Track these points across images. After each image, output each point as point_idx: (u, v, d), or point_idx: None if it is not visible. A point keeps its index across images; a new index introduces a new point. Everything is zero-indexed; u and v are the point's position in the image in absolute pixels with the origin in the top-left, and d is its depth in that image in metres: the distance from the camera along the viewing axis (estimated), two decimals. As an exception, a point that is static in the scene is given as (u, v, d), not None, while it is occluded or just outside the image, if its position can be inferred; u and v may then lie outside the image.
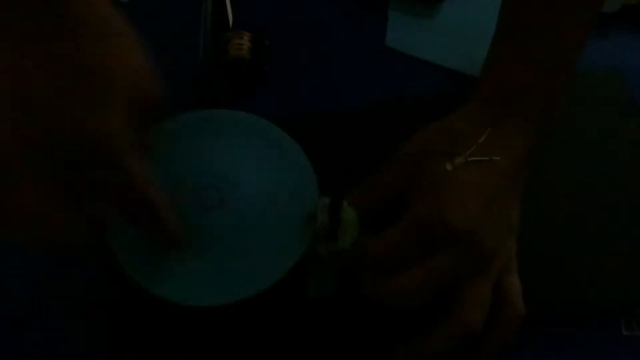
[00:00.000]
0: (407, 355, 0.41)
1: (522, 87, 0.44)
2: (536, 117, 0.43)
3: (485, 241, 0.40)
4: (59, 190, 0.32)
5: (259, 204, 0.42)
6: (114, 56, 0.32)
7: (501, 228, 0.41)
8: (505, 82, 0.44)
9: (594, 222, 0.47)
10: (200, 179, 0.42)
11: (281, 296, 0.42)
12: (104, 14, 0.33)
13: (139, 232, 0.38)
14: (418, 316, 0.41)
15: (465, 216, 0.39)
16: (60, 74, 0.31)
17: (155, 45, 0.38)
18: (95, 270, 0.46)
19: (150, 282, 0.39)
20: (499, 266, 0.41)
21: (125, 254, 0.39)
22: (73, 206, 0.33)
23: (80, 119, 0.31)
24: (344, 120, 0.52)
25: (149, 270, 0.39)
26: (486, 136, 0.42)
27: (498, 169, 0.41)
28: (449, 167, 0.41)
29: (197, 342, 0.43)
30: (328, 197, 0.40)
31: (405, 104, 0.53)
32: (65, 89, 0.31)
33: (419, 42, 0.57)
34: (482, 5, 0.56)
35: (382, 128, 0.52)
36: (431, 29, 0.58)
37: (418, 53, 0.57)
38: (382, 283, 0.40)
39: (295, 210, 0.42)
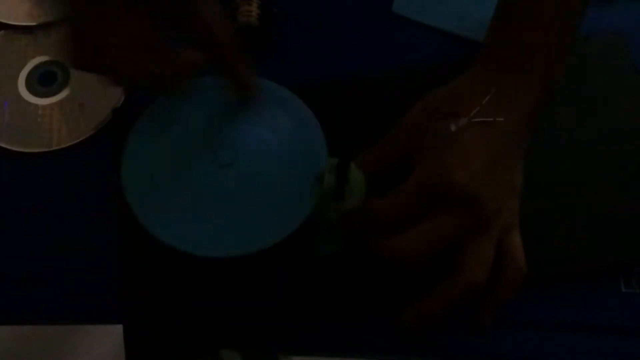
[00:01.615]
0: (413, 312, 0.43)
1: (524, 50, 0.44)
2: (539, 79, 0.44)
3: (487, 201, 0.41)
4: (155, 29, 0.38)
5: (270, 164, 0.44)
6: None
7: (504, 188, 0.43)
8: (508, 45, 0.45)
9: (595, 183, 0.48)
10: (216, 139, 0.45)
11: (289, 255, 0.44)
12: None
13: (220, 77, 0.43)
14: (423, 274, 0.42)
15: (468, 176, 0.40)
16: None
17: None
18: (108, 228, 0.47)
19: (166, 235, 0.41)
20: (502, 225, 0.43)
21: (143, 211, 0.42)
22: (167, 44, 0.39)
23: None
24: (352, 85, 0.53)
25: (165, 224, 0.42)
26: (490, 97, 0.43)
27: (501, 130, 0.42)
28: (452, 128, 0.42)
29: (207, 295, 0.45)
30: (336, 158, 0.41)
31: (412, 69, 0.54)
32: None
33: (425, 8, 0.58)
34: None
35: (389, 93, 0.52)
36: None
37: (424, 19, 0.57)
38: (388, 242, 0.41)
39: (305, 170, 0.43)
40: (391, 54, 0.56)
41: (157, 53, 0.39)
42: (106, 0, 0.37)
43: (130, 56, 0.38)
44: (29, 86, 0.54)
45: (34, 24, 0.57)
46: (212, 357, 0.55)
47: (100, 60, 0.38)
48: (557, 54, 0.45)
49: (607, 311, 0.45)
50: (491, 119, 0.42)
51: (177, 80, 0.41)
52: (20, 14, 0.57)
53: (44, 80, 0.55)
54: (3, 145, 0.51)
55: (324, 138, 0.45)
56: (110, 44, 0.38)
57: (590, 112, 0.51)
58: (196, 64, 0.42)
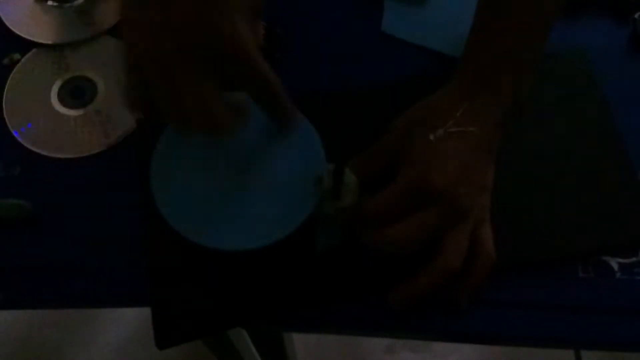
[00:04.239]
0: (400, 294, 0.48)
1: (494, 68, 0.49)
2: (507, 94, 0.48)
3: (462, 198, 0.46)
4: (209, 83, 0.40)
5: (275, 168, 0.49)
6: None
7: (476, 187, 0.47)
8: (479, 65, 0.49)
9: (556, 182, 0.52)
10: (229, 147, 0.50)
11: (295, 247, 0.48)
12: None
13: (265, 113, 0.45)
14: (409, 261, 0.47)
15: (445, 178, 0.45)
16: None
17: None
18: (136, 224, 0.52)
19: (188, 230, 0.46)
20: (474, 219, 0.48)
21: (168, 209, 0.47)
22: (220, 96, 0.40)
23: (218, 28, 0.39)
24: (346, 98, 0.57)
25: (187, 221, 0.47)
26: (463, 110, 0.47)
27: (473, 138, 0.47)
28: (431, 137, 0.47)
29: (223, 282, 0.50)
30: (333, 164, 0.47)
31: (400, 83, 0.57)
32: (202, 7, 0.38)
33: (412, 28, 0.61)
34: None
35: (379, 105, 0.56)
36: (423, 16, 0.62)
37: (411, 38, 0.60)
38: (378, 234, 0.46)
39: (307, 174, 0.48)
40: (380, 70, 0.59)
41: (210, 99, 0.40)
42: (171, 57, 0.38)
43: (187, 108, 0.40)
44: (61, 99, 0.59)
45: (62, 42, 0.62)
46: (221, 335, 0.59)
47: (158, 111, 0.40)
48: (521, 73, 0.49)
49: (566, 293, 0.49)
50: (465, 129, 0.47)
51: (227, 121, 0.42)
52: (50, 34, 0.62)
53: (74, 94, 0.59)
54: (40, 151, 0.56)
55: (322, 146, 0.49)
56: (170, 97, 0.39)
57: (551, 121, 0.55)
58: (244, 108, 0.44)
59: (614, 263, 0.51)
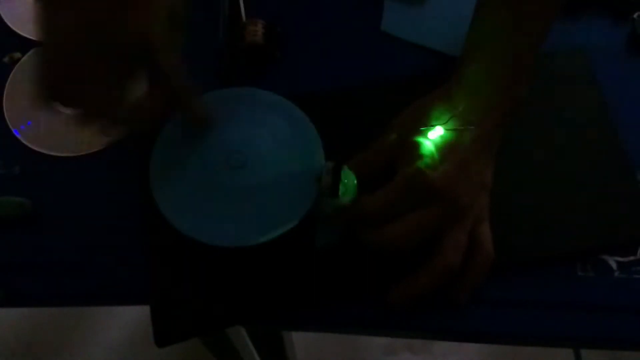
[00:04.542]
0: (399, 292, 0.48)
1: (492, 69, 0.49)
2: (503, 94, 0.49)
3: (460, 197, 0.46)
4: (114, 73, 0.42)
5: (275, 166, 0.49)
6: None
7: (474, 186, 0.48)
8: (478, 64, 0.49)
9: (555, 181, 0.53)
10: (228, 145, 0.50)
11: (294, 244, 0.49)
12: None
13: (174, 114, 0.47)
14: (407, 259, 0.47)
15: (443, 176, 0.46)
16: None
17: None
18: (136, 222, 0.52)
19: (187, 227, 0.47)
20: (473, 217, 0.48)
21: (167, 206, 0.47)
22: (126, 88, 0.43)
23: (127, 20, 0.40)
24: (345, 96, 0.57)
25: (186, 218, 0.47)
26: (461, 110, 0.47)
27: (472, 137, 0.47)
28: (430, 135, 0.47)
29: (221, 279, 0.50)
30: (332, 162, 0.47)
31: (398, 82, 0.57)
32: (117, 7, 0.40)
33: (410, 28, 0.61)
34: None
35: (378, 104, 0.56)
36: (423, 16, 0.62)
37: (410, 37, 0.61)
38: (377, 232, 0.46)
39: (305, 172, 0.49)
40: (379, 68, 0.59)
41: (118, 94, 0.43)
42: (77, 41, 0.40)
43: (93, 92, 0.42)
44: None
45: None
46: (219, 333, 0.59)
47: (62, 93, 0.42)
48: (518, 73, 0.49)
49: (565, 292, 0.50)
50: (463, 128, 0.47)
51: (141, 121, 0.46)
52: None
53: None
54: (40, 150, 0.57)
55: (321, 144, 0.50)
56: (76, 79, 0.41)
57: (550, 120, 0.56)
58: (155, 107, 0.46)
59: (613, 262, 0.51)
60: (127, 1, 0.41)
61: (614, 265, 0.51)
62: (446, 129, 0.47)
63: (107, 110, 0.43)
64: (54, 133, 0.58)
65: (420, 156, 0.47)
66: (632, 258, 0.51)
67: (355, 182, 0.48)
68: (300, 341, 1.20)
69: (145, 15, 0.41)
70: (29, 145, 0.57)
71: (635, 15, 0.61)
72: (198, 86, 0.46)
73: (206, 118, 0.50)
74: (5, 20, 0.63)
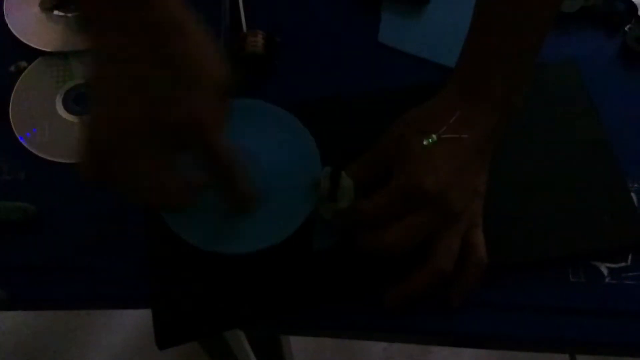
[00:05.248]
0: (394, 295, 0.49)
1: (486, 79, 0.50)
2: (498, 103, 0.50)
3: (453, 202, 0.47)
4: (170, 162, 0.39)
5: (274, 173, 0.50)
6: (195, 48, 0.38)
7: (468, 191, 0.49)
8: (472, 75, 0.50)
9: (547, 188, 0.54)
10: None
11: (292, 248, 0.49)
12: (180, 14, 0.37)
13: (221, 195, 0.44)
14: (402, 263, 0.48)
15: (437, 182, 0.47)
16: (163, 64, 0.37)
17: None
18: (139, 227, 0.53)
19: (189, 234, 0.48)
20: (466, 222, 0.49)
21: (171, 215, 0.48)
22: (179, 174, 0.40)
23: (186, 108, 0.37)
24: (342, 105, 0.58)
25: (189, 225, 0.48)
26: (455, 118, 0.48)
27: (465, 144, 0.48)
28: (425, 143, 0.48)
29: (222, 284, 0.50)
30: (330, 168, 0.48)
31: (394, 91, 0.58)
32: (171, 81, 0.37)
33: (407, 39, 0.62)
34: (462, 7, 0.58)
35: (374, 112, 0.57)
36: (418, 27, 0.63)
37: (406, 48, 0.62)
38: (372, 236, 0.47)
39: (303, 178, 0.49)
40: (376, 78, 0.60)
41: (166, 177, 0.39)
42: (127, 124, 0.37)
43: (139, 179, 0.39)
44: (66, 105, 0.61)
45: (67, 50, 0.63)
46: (217, 337, 0.60)
47: (108, 176, 0.38)
48: (512, 83, 0.50)
49: (557, 297, 0.50)
50: (457, 136, 0.48)
51: (182, 198, 0.41)
52: (56, 43, 0.63)
53: (78, 101, 0.61)
54: (44, 156, 0.58)
55: (318, 151, 0.51)
56: (123, 164, 0.38)
57: (542, 129, 0.57)
58: (199, 185, 0.43)
59: (604, 268, 0.52)
60: (187, 83, 0.37)
61: (605, 272, 0.52)
62: (441, 136, 0.48)
63: (155, 189, 0.40)
64: (58, 140, 0.59)
65: (415, 161, 0.48)
66: (622, 264, 0.52)
67: (353, 187, 0.49)
68: (298, 349, 1.20)
69: (199, 95, 0.38)
70: (34, 151, 0.58)
71: (626, 28, 0.62)
72: (244, 167, 0.43)
73: (250, 199, 0.45)
74: (12, 30, 0.65)
